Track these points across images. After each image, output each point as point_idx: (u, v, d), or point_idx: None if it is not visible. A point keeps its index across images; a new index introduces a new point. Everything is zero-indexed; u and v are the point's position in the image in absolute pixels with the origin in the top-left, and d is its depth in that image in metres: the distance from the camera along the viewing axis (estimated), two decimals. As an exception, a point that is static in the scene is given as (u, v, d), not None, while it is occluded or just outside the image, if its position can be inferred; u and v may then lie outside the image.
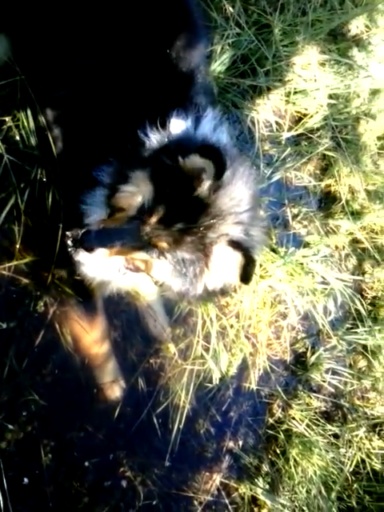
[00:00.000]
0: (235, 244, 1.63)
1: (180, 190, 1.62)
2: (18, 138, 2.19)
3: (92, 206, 1.91)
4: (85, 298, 2.33)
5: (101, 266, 1.93)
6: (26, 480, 2.18)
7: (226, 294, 2.07)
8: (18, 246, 2.19)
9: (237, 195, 1.67)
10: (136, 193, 1.70)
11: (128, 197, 1.74)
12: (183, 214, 1.62)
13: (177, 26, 2.03)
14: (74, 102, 1.99)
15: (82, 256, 1.97)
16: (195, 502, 2.74)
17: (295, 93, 3.34)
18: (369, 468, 3.42)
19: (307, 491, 3.10)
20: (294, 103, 3.38)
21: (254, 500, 2.94)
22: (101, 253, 1.67)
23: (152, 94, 1.86)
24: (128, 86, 1.90)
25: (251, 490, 2.91)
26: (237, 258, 1.61)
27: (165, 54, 1.97)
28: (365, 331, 3.59)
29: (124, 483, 2.47)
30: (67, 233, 1.86)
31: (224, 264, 1.66)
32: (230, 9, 2.92)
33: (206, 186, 1.59)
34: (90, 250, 1.66)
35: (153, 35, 1.96)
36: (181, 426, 2.64)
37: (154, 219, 1.62)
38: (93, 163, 1.87)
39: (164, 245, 1.64)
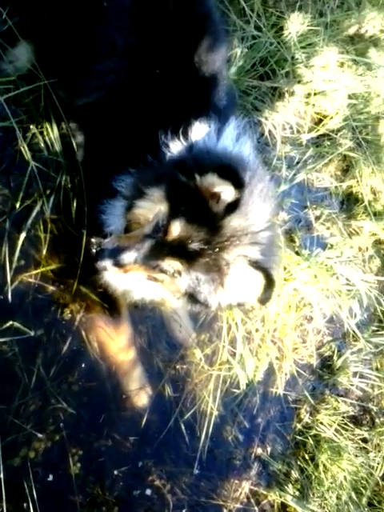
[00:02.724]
0: (255, 264, 1.59)
1: (195, 208, 1.58)
2: (42, 145, 2.19)
3: (111, 216, 1.91)
4: (110, 305, 2.33)
5: (122, 276, 1.86)
6: (55, 489, 2.17)
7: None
8: (43, 254, 2.19)
9: (254, 214, 1.63)
10: (151, 209, 1.68)
11: (143, 213, 1.73)
12: (198, 234, 1.58)
13: (198, 30, 2.01)
14: (96, 110, 1.98)
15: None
16: (224, 510, 2.70)
17: (315, 94, 3.31)
18: (399, 473, 3.36)
19: (337, 497, 3.04)
20: (313, 105, 3.35)
21: (283, 507, 2.89)
22: (115, 270, 1.66)
23: (174, 101, 1.86)
24: (150, 92, 1.89)
25: (281, 496, 2.86)
26: (257, 279, 1.57)
27: (187, 58, 1.96)
28: (392, 333, 3.54)
29: (153, 492, 2.45)
30: (92, 240, 1.86)
31: (242, 283, 1.63)
32: (249, 12, 2.90)
33: (222, 206, 1.56)
34: (103, 268, 1.66)
35: (174, 40, 1.95)
36: (209, 433, 2.61)
37: (168, 238, 1.59)
38: (112, 172, 1.86)
39: (178, 266, 1.62)
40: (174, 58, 1.93)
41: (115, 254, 1.64)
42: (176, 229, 1.57)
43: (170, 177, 1.64)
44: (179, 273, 1.63)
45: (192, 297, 1.70)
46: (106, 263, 1.64)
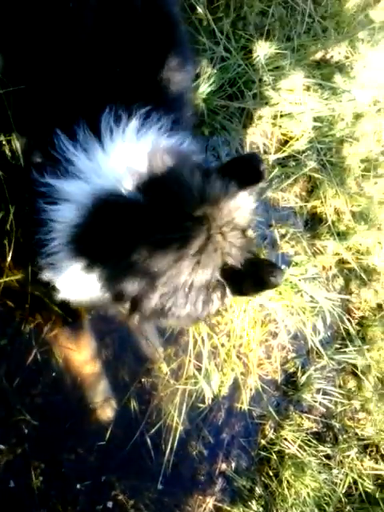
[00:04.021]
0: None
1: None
2: (8, 153, 2.19)
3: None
4: (72, 317, 2.32)
5: (79, 290, 1.82)
6: (16, 503, 2.13)
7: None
8: (8, 263, 2.17)
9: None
10: None
11: None
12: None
13: (165, 48, 2.01)
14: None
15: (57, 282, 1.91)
16: (188, 527, 2.68)
17: (281, 116, 3.40)
18: (361, 489, 3.38)
19: (301, 514, 3.05)
20: (280, 126, 3.44)
21: (246, 524, 2.89)
22: None
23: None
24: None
25: (244, 513, 2.86)
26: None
27: (153, 76, 1.95)
28: (354, 350, 3.60)
29: (116, 507, 2.42)
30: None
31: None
32: (219, 34, 2.99)
33: None
34: None
35: (141, 56, 1.93)
36: (173, 448, 2.60)
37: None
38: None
39: None
40: (140, 72, 1.90)
41: None
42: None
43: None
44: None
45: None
46: None
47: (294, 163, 3.46)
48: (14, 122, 2.10)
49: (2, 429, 2.10)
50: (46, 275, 1.85)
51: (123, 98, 1.77)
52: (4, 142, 2.17)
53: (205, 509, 2.76)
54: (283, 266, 3.19)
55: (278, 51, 3.27)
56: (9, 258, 2.15)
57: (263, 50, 3.22)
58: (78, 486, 2.28)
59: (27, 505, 2.14)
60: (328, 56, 3.83)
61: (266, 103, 3.32)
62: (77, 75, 1.81)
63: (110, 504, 2.38)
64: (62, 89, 1.81)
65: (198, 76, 2.85)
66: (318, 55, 3.78)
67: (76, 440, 2.32)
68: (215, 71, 2.98)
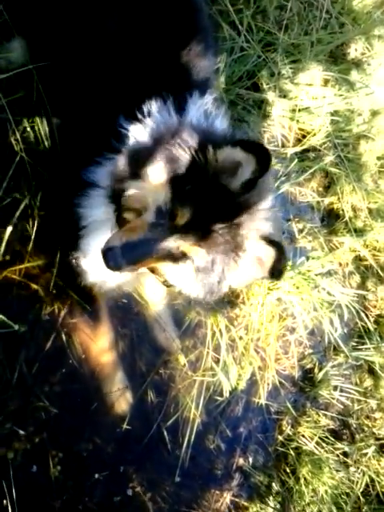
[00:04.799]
0: (268, 239, 1.57)
1: (207, 186, 1.51)
2: (32, 139, 2.17)
3: (88, 208, 1.81)
4: (91, 306, 2.29)
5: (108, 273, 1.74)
6: (34, 492, 2.09)
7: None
8: (29, 250, 2.15)
9: (264, 189, 1.60)
10: (148, 192, 1.60)
11: (139, 196, 1.63)
12: (214, 212, 1.52)
13: (188, 34, 2.01)
14: (73, 102, 1.93)
15: (86, 264, 1.93)
16: (205, 521, 2.63)
17: (299, 110, 3.38)
18: (378, 488, 3.33)
19: (318, 511, 3.00)
20: (297, 121, 3.42)
21: (264, 520, 2.84)
22: (130, 269, 1.55)
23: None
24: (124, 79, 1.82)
25: (262, 509, 2.81)
26: (269, 254, 1.55)
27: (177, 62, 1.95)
28: (372, 347, 3.55)
29: (133, 499, 2.38)
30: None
31: (255, 260, 1.60)
32: (239, 25, 2.97)
33: (240, 181, 1.50)
34: (117, 269, 1.52)
35: (165, 42, 1.92)
36: (191, 441, 2.56)
37: (180, 222, 1.51)
38: (81, 164, 1.79)
39: (196, 250, 1.54)
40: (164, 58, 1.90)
41: (127, 252, 1.51)
42: (186, 211, 1.49)
43: (164, 154, 1.57)
44: (192, 259, 1.56)
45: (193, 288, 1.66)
46: (121, 263, 1.50)
47: (312, 155, 3.44)
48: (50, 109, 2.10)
49: (21, 416, 2.07)
50: (76, 257, 1.83)
51: (152, 85, 1.77)
52: (28, 128, 2.16)
53: (222, 504, 2.71)
54: (302, 258, 3.16)
55: (296, 44, 3.26)
56: (30, 246, 2.13)
57: (281, 43, 3.21)
58: (96, 475, 2.24)
59: (44, 494, 2.10)
60: (345, 53, 3.82)
61: (285, 96, 3.30)
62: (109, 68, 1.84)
63: (127, 495, 2.34)
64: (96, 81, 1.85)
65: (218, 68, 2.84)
66: (336, 51, 3.77)
67: (94, 430, 2.28)
68: (235, 62, 2.97)
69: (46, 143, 2.19)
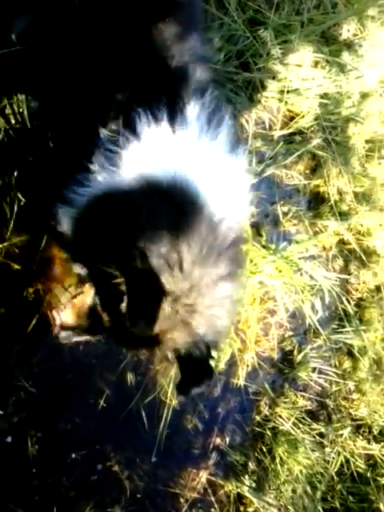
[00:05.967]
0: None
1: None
2: (12, 118, 2.13)
3: (62, 217, 1.63)
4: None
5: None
6: (12, 472, 2.12)
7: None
8: (9, 230, 2.13)
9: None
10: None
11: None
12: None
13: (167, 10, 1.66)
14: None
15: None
16: (181, 500, 2.69)
17: (288, 91, 3.34)
18: (353, 468, 3.41)
19: (293, 490, 3.07)
20: (286, 102, 3.38)
21: (239, 498, 2.91)
22: None
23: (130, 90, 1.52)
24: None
25: (237, 487, 2.87)
26: None
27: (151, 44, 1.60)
28: (351, 330, 3.59)
29: (110, 478, 2.42)
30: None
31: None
32: (227, 4, 2.91)
33: None
34: None
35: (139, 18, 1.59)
36: (168, 420, 2.60)
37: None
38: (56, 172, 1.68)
39: None
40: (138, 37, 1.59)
41: None
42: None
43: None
44: None
45: None
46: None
47: (299, 138, 3.42)
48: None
49: (1, 395, 2.09)
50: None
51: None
52: (7, 105, 2.12)
53: (198, 482, 2.77)
54: (284, 243, 3.17)
55: (286, 24, 3.21)
56: (11, 225, 2.11)
57: (271, 22, 3.16)
58: (74, 455, 2.28)
59: (22, 473, 2.13)
60: (336, 33, 3.76)
61: (273, 78, 3.26)
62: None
63: (104, 474, 2.38)
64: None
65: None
66: (327, 31, 3.72)
67: (72, 409, 2.31)
68: (222, 42, 2.92)
69: (27, 122, 2.15)
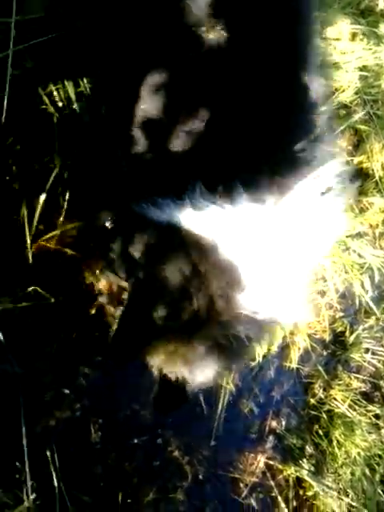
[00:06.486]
0: None
1: None
2: (60, 103, 2.11)
3: None
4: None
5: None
6: (76, 458, 2.11)
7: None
8: (62, 218, 2.11)
9: None
10: None
11: None
12: None
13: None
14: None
15: None
16: (241, 484, 2.65)
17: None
18: (411, 450, 3.33)
19: (351, 473, 3.01)
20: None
21: (299, 482, 2.86)
22: None
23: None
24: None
25: (296, 471, 2.82)
26: None
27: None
28: (404, 310, 3.50)
29: (172, 463, 2.40)
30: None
31: None
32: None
33: None
34: None
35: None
36: (225, 405, 2.56)
37: None
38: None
39: None
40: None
41: None
42: None
43: None
44: None
45: None
46: None
47: (342, 113, 3.33)
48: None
49: (61, 384, 2.08)
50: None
51: None
52: (54, 92, 2.09)
53: (256, 467, 2.72)
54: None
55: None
56: (63, 214, 2.10)
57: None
58: (135, 440, 2.26)
59: (86, 460, 2.12)
60: (373, 3, 3.65)
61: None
62: None
63: (167, 462, 2.36)
64: None
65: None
66: (363, 3, 3.61)
67: (131, 396, 2.28)
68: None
69: (75, 106, 2.13)
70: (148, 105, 1.54)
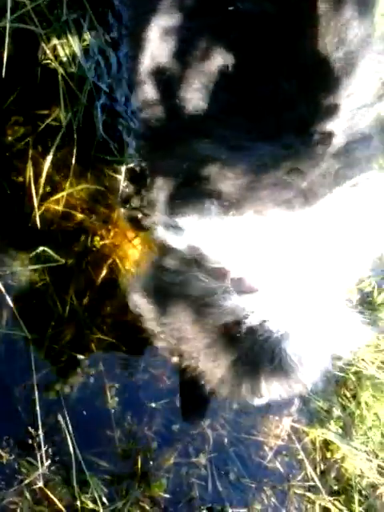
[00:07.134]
0: None
1: None
2: (64, 59, 2.02)
3: None
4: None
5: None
6: (92, 424, 2.10)
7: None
8: (70, 179, 2.06)
9: None
10: None
11: None
12: None
13: None
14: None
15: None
16: (266, 447, 2.61)
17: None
18: None
19: (382, 435, 2.94)
20: None
21: (326, 445, 2.80)
22: None
23: None
24: None
25: (323, 434, 2.76)
26: None
27: None
28: None
29: (192, 427, 2.36)
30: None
31: None
32: None
33: None
34: None
35: None
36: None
37: None
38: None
39: None
40: None
41: None
42: None
43: None
44: None
45: None
46: None
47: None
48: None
49: (75, 349, 2.05)
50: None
51: None
52: (57, 46, 2.00)
53: (282, 430, 2.68)
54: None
55: None
56: (71, 175, 2.04)
57: None
58: (153, 405, 2.23)
59: (102, 425, 2.11)
60: None
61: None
62: None
63: (187, 425, 2.33)
64: None
65: None
66: None
67: (148, 360, 2.25)
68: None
69: (81, 62, 2.04)
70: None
